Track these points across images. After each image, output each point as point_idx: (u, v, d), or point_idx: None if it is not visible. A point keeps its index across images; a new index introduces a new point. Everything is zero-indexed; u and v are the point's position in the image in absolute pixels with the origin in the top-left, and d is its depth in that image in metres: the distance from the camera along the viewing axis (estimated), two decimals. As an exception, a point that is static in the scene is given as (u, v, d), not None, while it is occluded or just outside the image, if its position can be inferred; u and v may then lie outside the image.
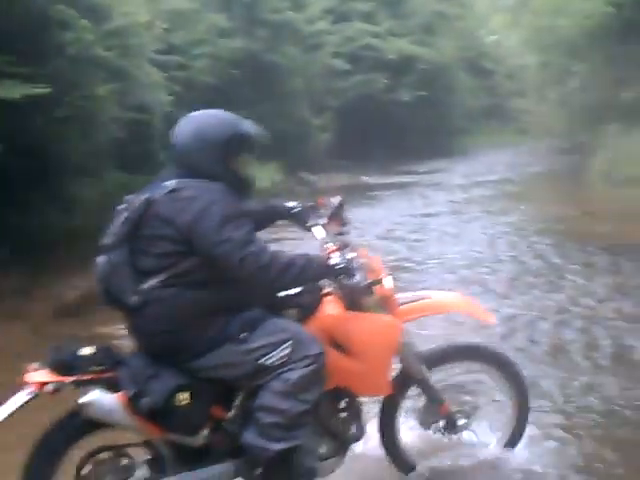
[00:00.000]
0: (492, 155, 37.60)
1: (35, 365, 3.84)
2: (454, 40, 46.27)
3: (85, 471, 3.93)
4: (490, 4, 32.22)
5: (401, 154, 35.45)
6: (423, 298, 4.60)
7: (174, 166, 4.04)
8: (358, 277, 4.09)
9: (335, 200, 4.58)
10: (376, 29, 40.85)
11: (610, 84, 23.29)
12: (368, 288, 4.16)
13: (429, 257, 12.12)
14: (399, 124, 39.57)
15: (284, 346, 3.91)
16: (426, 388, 4.59)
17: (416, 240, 14.00)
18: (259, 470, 3.98)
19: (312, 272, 4.01)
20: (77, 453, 3.91)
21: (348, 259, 4.11)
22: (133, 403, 3.77)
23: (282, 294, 4.17)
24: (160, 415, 3.79)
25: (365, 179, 28.27)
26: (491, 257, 11.86)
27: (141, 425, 3.86)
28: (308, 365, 3.90)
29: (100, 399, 3.78)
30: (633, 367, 6.72)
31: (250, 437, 3.90)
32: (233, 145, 4.03)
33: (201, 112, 4.13)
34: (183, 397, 3.79)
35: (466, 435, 4.80)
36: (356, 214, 17.90)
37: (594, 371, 6.67)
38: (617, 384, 6.30)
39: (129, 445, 4.04)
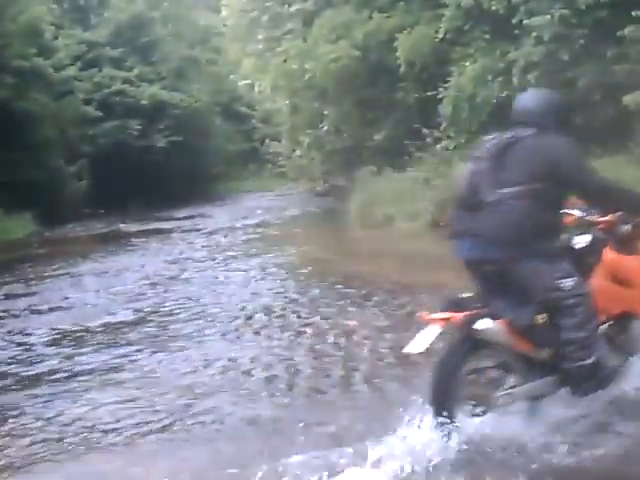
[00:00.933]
0: (251, 199, 37.94)
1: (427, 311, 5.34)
2: (207, 85, 46.67)
3: (470, 381, 5.32)
4: (240, 48, 32.47)
5: (160, 200, 35.19)
6: None
7: (521, 125, 5.43)
8: None
9: None
10: (127, 75, 40.65)
11: (361, 127, 23.96)
12: None
13: (189, 302, 11.93)
14: (156, 170, 39.36)
15: (571, 278, 5.26)
16: None
17: (174, 286, 13.77)
18: (581, 382, 5.35)
19: (635, 203, 5.55)
20: (465, 369, 5.27)
21: None
22: (511, 324, 5.23)
23: (578, 246, 5.62)
24: (528, 332, 5.27)
25: (123, 227, 27.72)
26: (249, 298, 11.83)
27: (516, 341, 5.29)
28: (583, 303, 5.24)
29: (490, 325, 5.18)
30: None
31: (566, 365, 5.32)
32: (568, 113, 5.97)
33: (541, 90, 6.25)
34: (542, 317, 5.28)
35: None
36: (115, 262, 17.55)
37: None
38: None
39: (494, 366, 5.42)
